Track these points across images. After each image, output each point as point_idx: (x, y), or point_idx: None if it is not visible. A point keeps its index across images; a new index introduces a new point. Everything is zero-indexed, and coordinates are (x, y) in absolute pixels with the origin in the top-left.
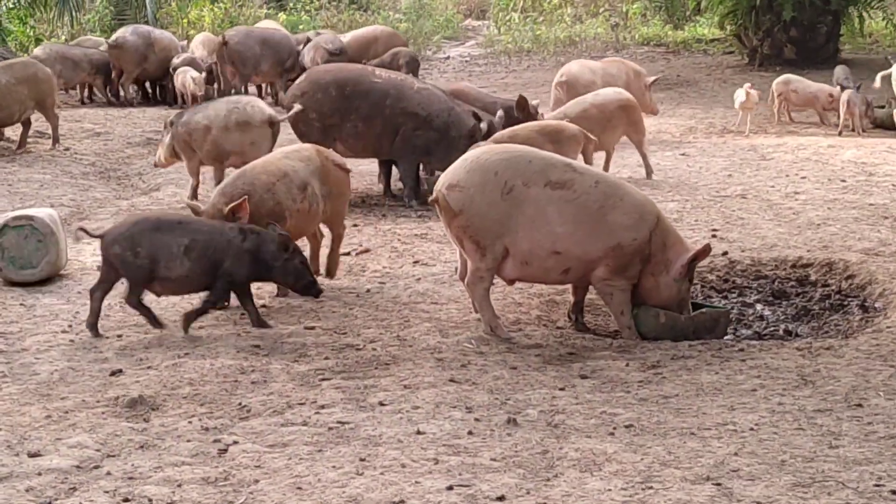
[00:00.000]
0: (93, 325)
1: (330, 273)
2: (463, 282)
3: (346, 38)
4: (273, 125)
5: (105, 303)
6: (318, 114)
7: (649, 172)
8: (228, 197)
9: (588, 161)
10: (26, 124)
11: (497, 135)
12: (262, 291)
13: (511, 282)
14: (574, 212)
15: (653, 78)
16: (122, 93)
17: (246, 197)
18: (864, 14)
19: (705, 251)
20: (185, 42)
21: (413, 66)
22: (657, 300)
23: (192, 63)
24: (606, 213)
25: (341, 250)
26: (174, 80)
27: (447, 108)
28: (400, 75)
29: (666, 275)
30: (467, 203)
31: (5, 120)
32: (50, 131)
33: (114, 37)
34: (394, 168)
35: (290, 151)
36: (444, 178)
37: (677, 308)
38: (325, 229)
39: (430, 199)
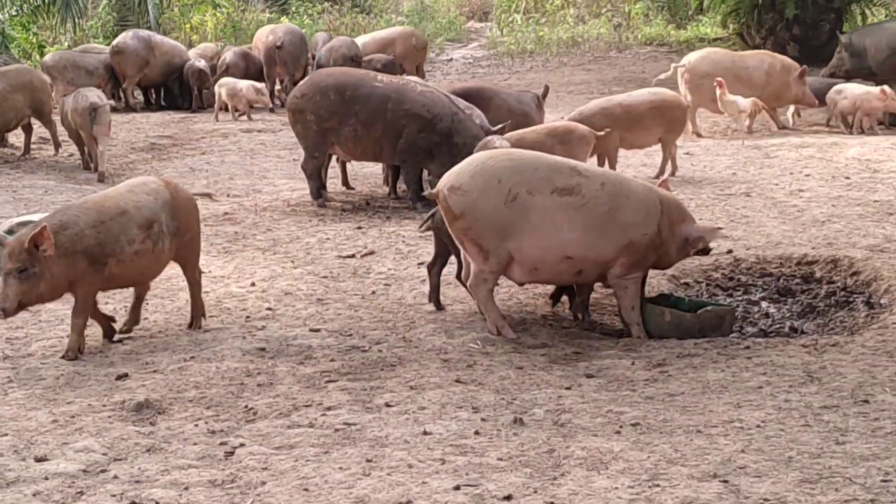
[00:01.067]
0: None
1: (193, 323)
2: (459, 281)
3: (366, 39)
4: None
5: (110, 307)
6: (315, 116)
7: (662, 171)
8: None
9: (612, 161)
10: (28, 130)
11: (510, 134)
12: (269, 295)
13: (521, 284)
14: (584, 217)
15: (801, 68)
16: (123, 98)
17: (45, 226)
18: (867, 11)
19: (706, 251)
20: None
21: (389, 70)
22: (661, 267)
23: (227, 71)
24: (615, 213)
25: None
26: (217, 91)
27: (451, 112)
28: (402, 79)
29: (673, 246)
30: (469, 207)
31: (1, 127)
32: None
33: (115, 42)
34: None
35: (136, 185)
36: (447, 179)
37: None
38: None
39: (426, 192)
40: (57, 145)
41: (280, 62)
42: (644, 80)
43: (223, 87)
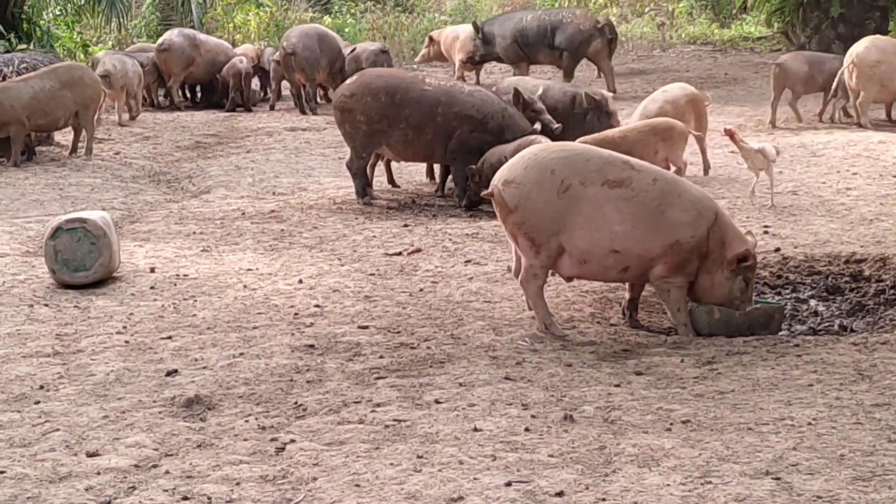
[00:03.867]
0: None
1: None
2: (517, 278)
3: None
4: None
5: (158, 304)
6: (366, 117)
7: (707, 168)
8: None
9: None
10: (77, 129)
11: (608, 133)
12: (316, 292)
13: (569, 279)
14: (633, 210)
15: None
16: (168, 96)
17: None
18: None
19: (746, 252)
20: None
21: (381, 62)
22: (709, 299)
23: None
24: (665, 210)
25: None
26: None
27: (501, 109)
28: (449, 81)
29: (720, 273)
30: (523, 200)
31: (50, 125)
32: (98, 136)
33: (160, 40)
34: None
35: None
36: (501, 174)
37: (734, 307)
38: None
39: (484, 192)
40: (89, 150)
41: (297, 68)
42: (689, 78)
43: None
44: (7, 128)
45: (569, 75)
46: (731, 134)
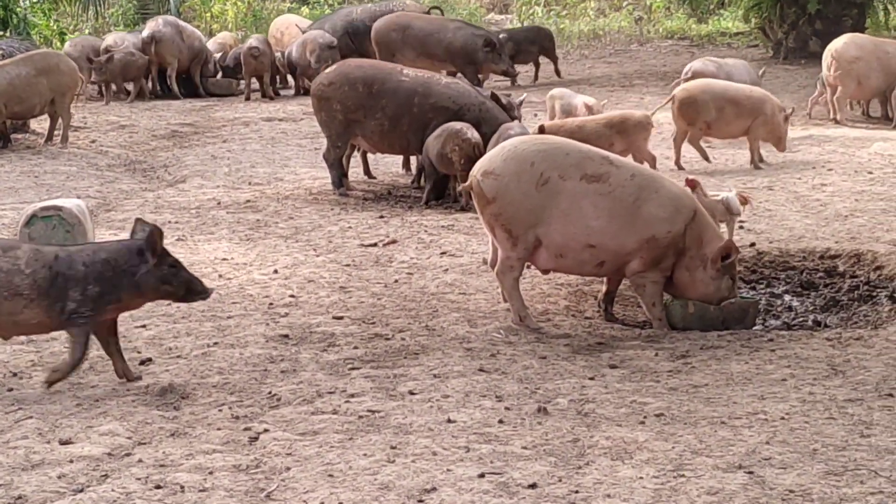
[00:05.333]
0: None
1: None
2: (493, 270)
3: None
4: None
5: None
6: (342, 107)
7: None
8: None
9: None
10: (53, 117)
11: (567, 121)
12: (291, 282)
13: (545, 272)
14: (609, 205)
15: None
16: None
17: None
18: (890, 7)
19: (727, 247)
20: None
21: (325, 58)
22: (692, 296)
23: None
24: (641, 205)
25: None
26: (549, 103)
27: (478, 102)
28: (426, 73)
29: (702, 271)
30: (501, 191)
31: (26, 113)
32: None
33: (150, 32)
34: None
35: None
36: (480, 165)
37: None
38: None
39: (460, 186)
40: (65, 137)
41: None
42: (665, 73)
43: (556, 99)
44: None
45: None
46: (692, 185)
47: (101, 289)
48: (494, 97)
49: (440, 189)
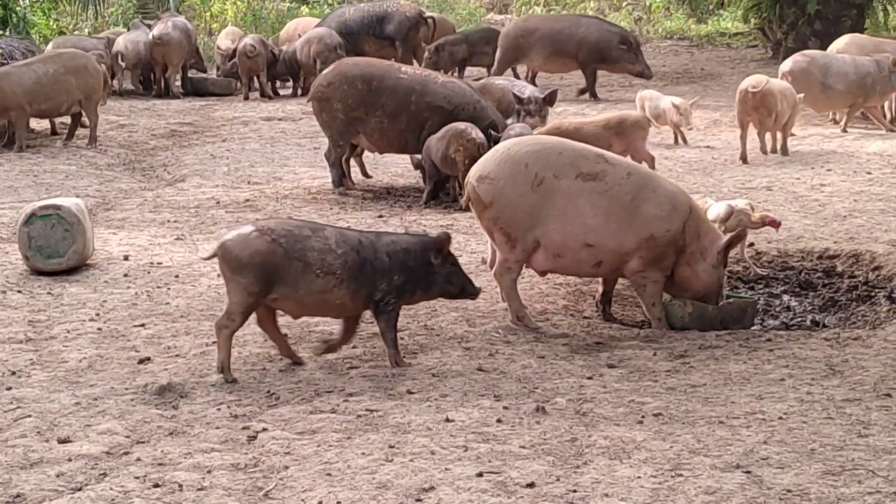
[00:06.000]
0: None
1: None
2: (492, 271)
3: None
4: None
5: (132, 292)
6: (343, 105)
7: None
8: None
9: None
10: (75, 118)
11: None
12: None
13: (542, 273)
14: (606, 204)
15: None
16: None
17: None
18: (889, 7)
19: (740, 236)
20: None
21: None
22: (696, 289)
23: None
24: (639, 204)
25: None
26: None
27: (473, 101)
28: (425, 70)
29: (703, 262)
30: (497, 195)
31: (52, 111)
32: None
33: (157, 33)
34: None
35: None
36: (475, 170)
37: (716, 295)
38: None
39: (462, 200)
40: (93, 138)
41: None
42: (664, 73)
43: (645, 100)
44: (8, 113)
45: (406, 62)
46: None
47: (405, 279)
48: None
49: (439, 189)
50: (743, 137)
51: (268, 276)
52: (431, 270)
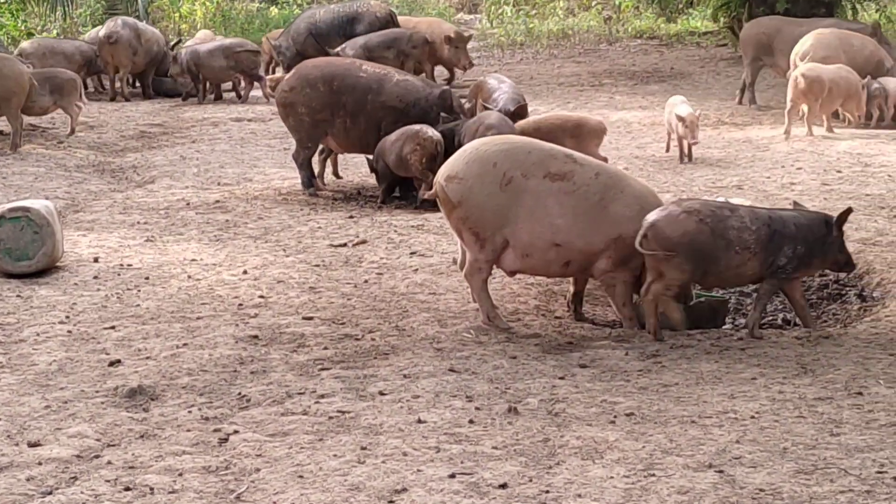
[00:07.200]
0: None
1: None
2: (462, 271)
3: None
4: None
5: (102, 294)
6: (308, 109)
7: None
8: None
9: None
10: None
11: (522, 123)
12: (261, 283)
13: (512, 273)
14: (574, 203)
15: None
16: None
17: None
18: (858, 6)
19: None
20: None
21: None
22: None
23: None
24: (607, 204)
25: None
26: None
27: (424, 95)
28: (385, 68)
29: None
30: (466, 194)
31: None
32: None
33: (107, 32)
34: None
35: None
36: (444, 170)
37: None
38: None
39: (427, 194)
40: (15, 145)
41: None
42: (634, 73)
43: (670, 106)
44: None
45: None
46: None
47: (806, 250)
48: (444, 96)
49: (393, 187)
50: (790, 116)
51: (697, 256)
52: (828, 242)
